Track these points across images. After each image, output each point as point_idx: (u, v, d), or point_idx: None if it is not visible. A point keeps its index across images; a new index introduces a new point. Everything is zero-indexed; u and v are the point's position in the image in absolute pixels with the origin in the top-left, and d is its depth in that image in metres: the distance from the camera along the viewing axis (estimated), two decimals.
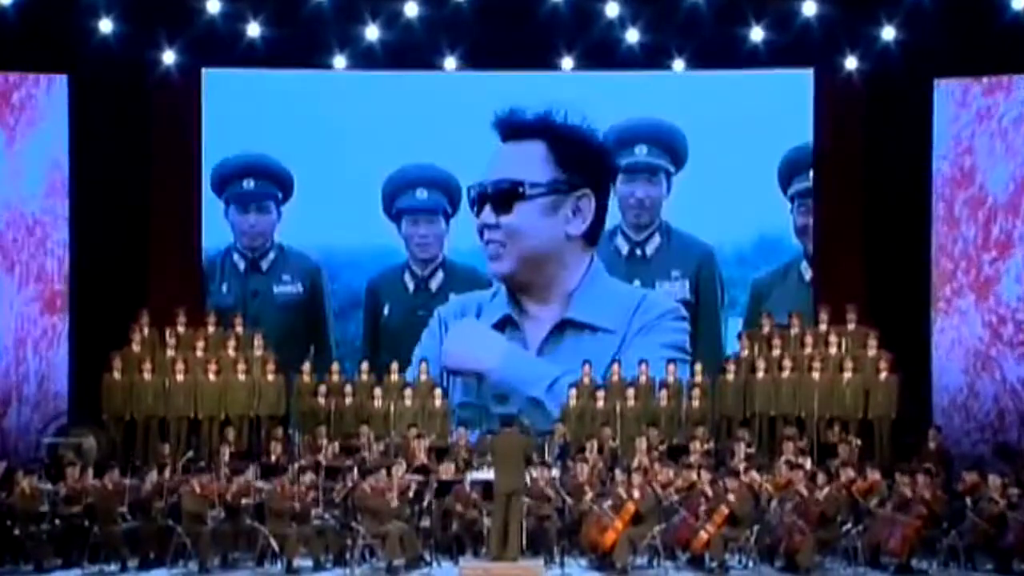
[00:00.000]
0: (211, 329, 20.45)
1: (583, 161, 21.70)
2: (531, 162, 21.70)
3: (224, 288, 21.97)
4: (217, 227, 21.94)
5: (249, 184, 22.01)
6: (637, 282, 21.95)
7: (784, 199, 21.86)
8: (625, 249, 22.06)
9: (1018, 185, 20.71)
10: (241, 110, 21.76)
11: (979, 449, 20.14)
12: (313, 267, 22.09)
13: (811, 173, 21.79)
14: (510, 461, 16.52)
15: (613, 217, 22.01)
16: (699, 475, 16.85)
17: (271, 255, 22.10)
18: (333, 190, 21.71)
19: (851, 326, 20.16)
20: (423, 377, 20.48)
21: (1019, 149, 20.68)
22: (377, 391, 20.03)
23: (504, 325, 21.82)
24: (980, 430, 20.65)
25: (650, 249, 22.07)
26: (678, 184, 21.93)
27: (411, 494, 16.56)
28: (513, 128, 21.62)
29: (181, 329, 20.30)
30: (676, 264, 21.98)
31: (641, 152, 21.95)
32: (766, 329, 20.47)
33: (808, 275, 21.88)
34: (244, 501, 16.49)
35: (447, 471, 17.37)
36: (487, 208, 21.71)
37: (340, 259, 22.12)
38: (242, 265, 22.09)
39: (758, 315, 21.29)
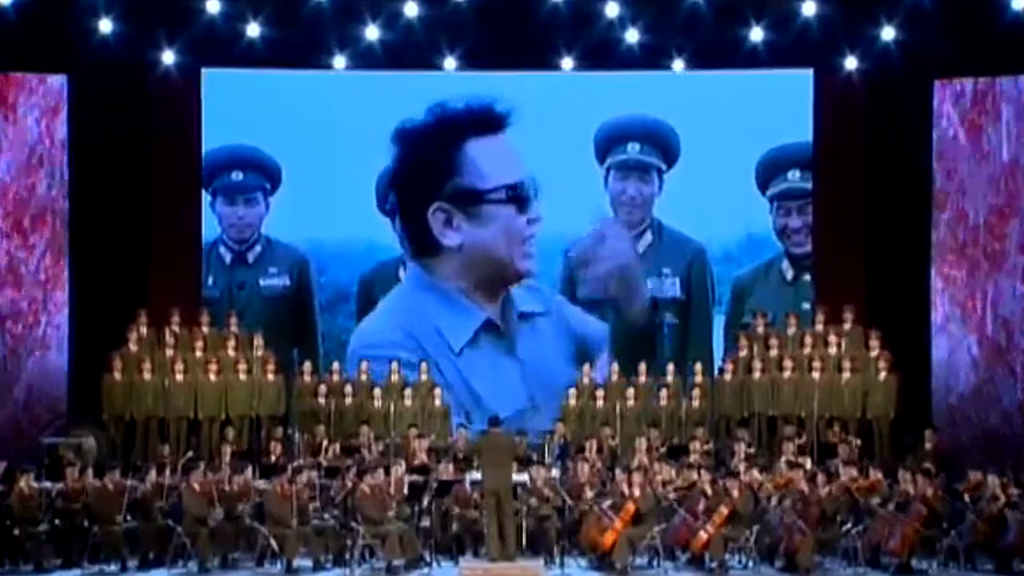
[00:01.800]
0: (205, 329, 20.42)
1: None
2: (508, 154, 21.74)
3: (210, 281, 21.93)
4: (204, 219, 21.88)
5: (237, 176, 21.97)
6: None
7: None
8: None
9: (1011, 190, 20.72)
10: (241, 110, 21.75)
11: (976, 457, 20.06)
12: (301, 260, 22.06)
13: (790, 174, 21.79)
14: (497, 461, 16.65)
15: (603, 214, 22.01)
16: (699, 475, 16.86)
17: (257, 248, 22.06)
18: (325, 184, 21.67)
19: (847, 326, 20.16)
20: (423, 377, 20.47)
21: (1014, 151, 20.68)
22: (377, 391, 20.03)
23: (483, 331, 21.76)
24: (979, 436, 20.58)
25: (641, 246, 22.06)
26: (670, 182, 21.93)
27: (405, 492, 16.56)
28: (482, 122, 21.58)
29: (177, 329, 20.28)
30: (667, 262, 21.98)
31: (633, 149, 21.95)
32: (760, 328, 20.48)
33: (789, 274, 21.90)
34: (243, 503, 16.50)
35: (447, 471, 17.39)
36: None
37: (328, 252, 22.08)
38: (228, 258, 22.05)
39: (740, 313, 21.41)
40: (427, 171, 21.63)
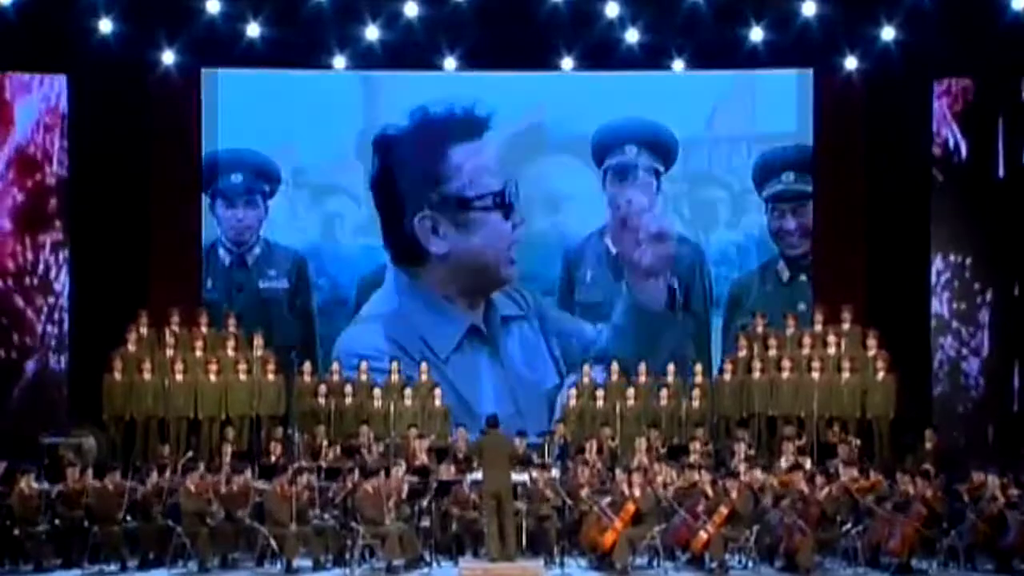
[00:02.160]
0: (204, 329, 20.41)
1: None
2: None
3: (209, 283, 21.92)
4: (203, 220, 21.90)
5: (237, 178, 21.96)
6: (624, 283, 21.93)
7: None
8: (615, 249, 22.03)
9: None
10: (241, 110, 21.73)
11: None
12: (299, 262, 22.06)
13: (784, 176, 21.81)
14: (497, 462, 16.63)
15: (601, 216, 22.01)
16: (699, 475, 16.85)
17: (256, 250, 22.06)
18: (323, 186, 21.73)
19: (846, 326, 20.17)
20: (423, 377, 20.46)
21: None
22: (377, 391, 20.02)
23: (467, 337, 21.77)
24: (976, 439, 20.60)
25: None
26: (668, 183, 21.89)
27: (404, 495, 16.55)
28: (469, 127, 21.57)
29: (177, 329, 20.28)
30: (665, 263, 21.96)
31: (631, 152, 21.92)
32: (760, 329, 20.47)
33: (785, 276, 21.91)
34: (243, 503, 16.49)
35: (447, 471, 17.38)
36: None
37: (327, 255, 22.09)
38: (227, 260, 22.05)
39: (736, 315, 21.47)
40: (411, 179, 21.59)
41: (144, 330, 20.13)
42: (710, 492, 16.43)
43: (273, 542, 16.13)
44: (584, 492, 16.63)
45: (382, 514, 16.14)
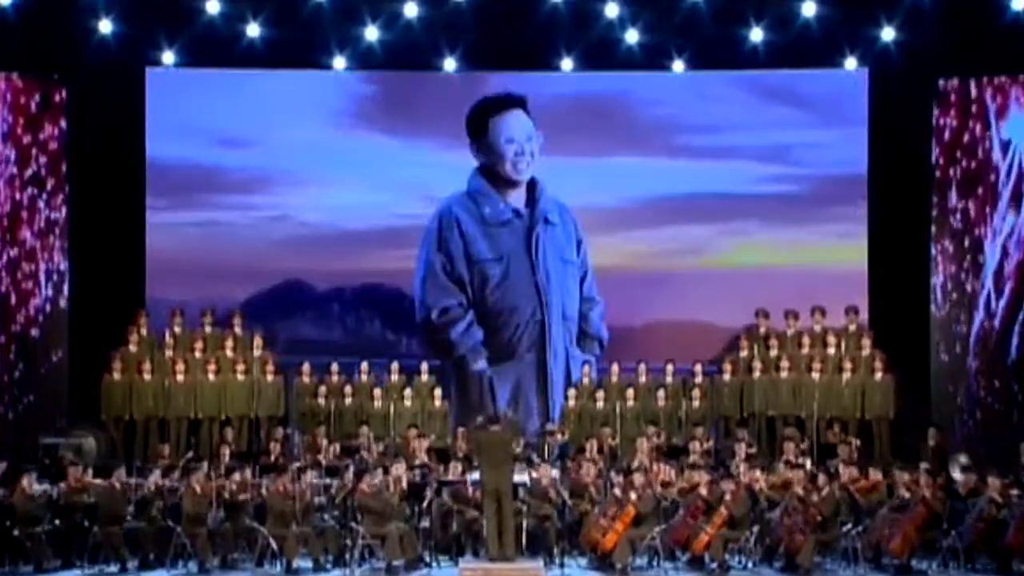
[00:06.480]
0: (208, 329, 20.43)
1: None
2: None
3: None
4: None
5: None
6: None
7: None
8: None
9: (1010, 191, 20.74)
10: (239, 110, 21.72)
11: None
12: None
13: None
14: (497, 459, 16.56)
15: None
16: (699, 476, 16.86)
17: None
18: (323, 185, 21.80)
19: (852, 327, 20.17)
20: (423, 377, 20.46)
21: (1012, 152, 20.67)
22: (377, 391, 20.03)
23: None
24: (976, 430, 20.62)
25: None
26: (669, 182, 21.89)
27: (404, 485, 16.55)
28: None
29: (179, 329, 20.29)
30: None
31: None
32: (762, 329, 20.47)
33: None
34: (243, 497, 16.52)
35: (447, 471, 17.37)
36: None
37: None
38: None
39: None
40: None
41: (144, 331, 20.13)
42: (705, 493, 16.43)
43: (273, 542, 16.14)
44: (590, 494, 16.61)
45: (382, 514, 16.14)
